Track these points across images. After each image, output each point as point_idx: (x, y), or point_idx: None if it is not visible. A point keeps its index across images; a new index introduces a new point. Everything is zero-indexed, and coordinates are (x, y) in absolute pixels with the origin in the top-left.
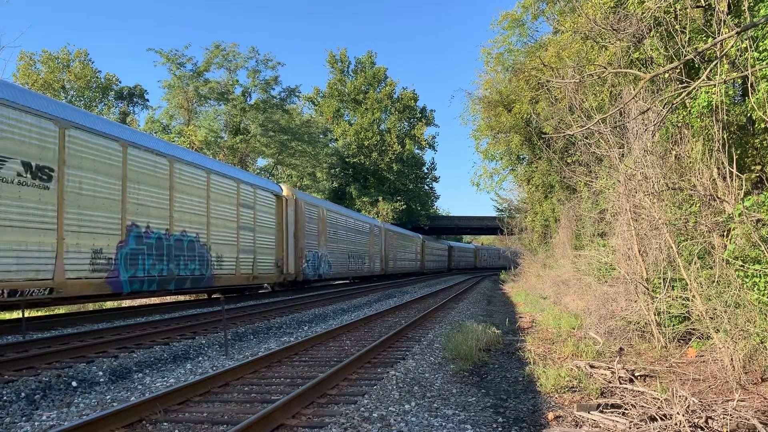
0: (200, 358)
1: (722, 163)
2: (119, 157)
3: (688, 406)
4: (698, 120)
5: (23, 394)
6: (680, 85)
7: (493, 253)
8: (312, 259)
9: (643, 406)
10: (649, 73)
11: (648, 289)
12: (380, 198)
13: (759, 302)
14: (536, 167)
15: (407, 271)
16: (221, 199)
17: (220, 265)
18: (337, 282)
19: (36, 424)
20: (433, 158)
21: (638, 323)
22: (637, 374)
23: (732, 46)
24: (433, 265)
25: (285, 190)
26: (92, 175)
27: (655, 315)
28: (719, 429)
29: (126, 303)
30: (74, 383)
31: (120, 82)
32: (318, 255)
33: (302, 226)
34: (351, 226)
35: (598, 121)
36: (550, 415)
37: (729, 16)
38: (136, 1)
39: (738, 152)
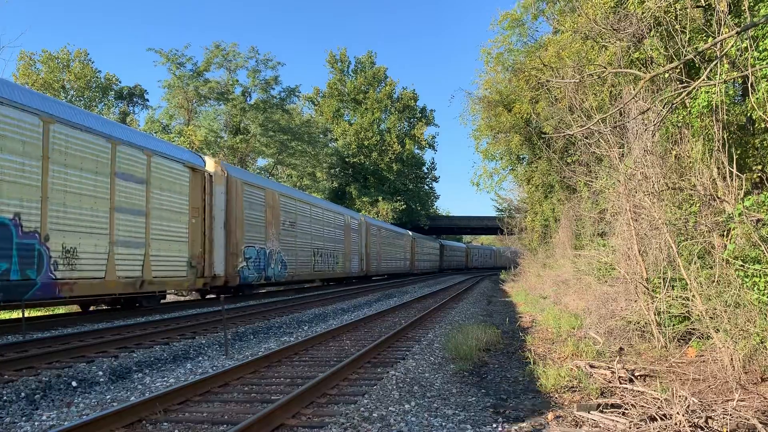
0: (200, 358)
1: (722, 163)
2: None
3: (688, 406)
4: (698, 120)
5: (23, 394)
6: (680, 85)
7: (484, 253)
8: (256, 258)
9: (643, 406)
10: (649, 73)
11: (648, 289)
12: (380, 198)
13: (759, 302)
14: (536, 167)
15: (395, 271)
16: (77, 164)
17: (70, 263)
18: (296, 287)
19: (36, 424)
20: (433, 158)
21: (638, 323)
22: (637, 374)
23: (732, 46)
24: (425, 265)
25: (210, 164)
26: None
27: (655, 315)
28: (719, 429)
29: None
30: (74, 383)
31: (120, 82)
32: (266, 252)
33: (239, 213)
34: (318, 218)
35: (598, 121)
36: (550, 415)
37: (729, 16)
38: (136, 1)
39: (738, 152)
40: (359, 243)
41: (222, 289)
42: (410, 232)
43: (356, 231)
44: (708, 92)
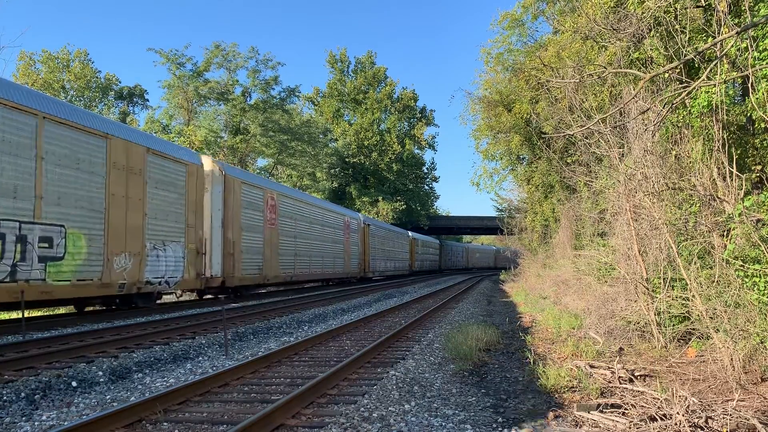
0: (200, 358)
1: (722, 163)
2: None
3: (688, 406)
4: (698, 120)
5: (23, 394)
6: (680, 85)
7: (457, 250)
8: None
9: (643, 406)
10: (649, 73)
11: (648, 289)
12: (380, 198)
13: (759, 302)
14: (536, 167)
15: (328, 276)
16: None
17: None
18: None
19: (36, 424)
20: (432, 158)
21: (638, 323)
22: (637, 374)
23: (732, 46)
24: (389, 265)
25: None
26: None
27: (655, 315)
28: (719, 429)
29: None
30: (74, 383)
31: (120, 82)
32: None
33: None
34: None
35: (598, 121)
36: (550, 415)
37: (729, 16)
38: (136, 1)
39: (738, 152)
40: (220, 222)
41: None
42: (360, 216)
43: (218, 191)
44: (708, 92)
